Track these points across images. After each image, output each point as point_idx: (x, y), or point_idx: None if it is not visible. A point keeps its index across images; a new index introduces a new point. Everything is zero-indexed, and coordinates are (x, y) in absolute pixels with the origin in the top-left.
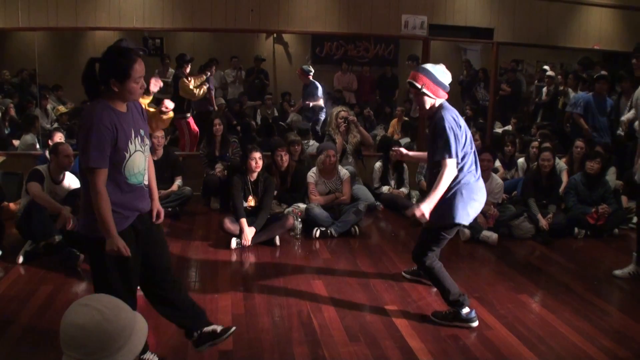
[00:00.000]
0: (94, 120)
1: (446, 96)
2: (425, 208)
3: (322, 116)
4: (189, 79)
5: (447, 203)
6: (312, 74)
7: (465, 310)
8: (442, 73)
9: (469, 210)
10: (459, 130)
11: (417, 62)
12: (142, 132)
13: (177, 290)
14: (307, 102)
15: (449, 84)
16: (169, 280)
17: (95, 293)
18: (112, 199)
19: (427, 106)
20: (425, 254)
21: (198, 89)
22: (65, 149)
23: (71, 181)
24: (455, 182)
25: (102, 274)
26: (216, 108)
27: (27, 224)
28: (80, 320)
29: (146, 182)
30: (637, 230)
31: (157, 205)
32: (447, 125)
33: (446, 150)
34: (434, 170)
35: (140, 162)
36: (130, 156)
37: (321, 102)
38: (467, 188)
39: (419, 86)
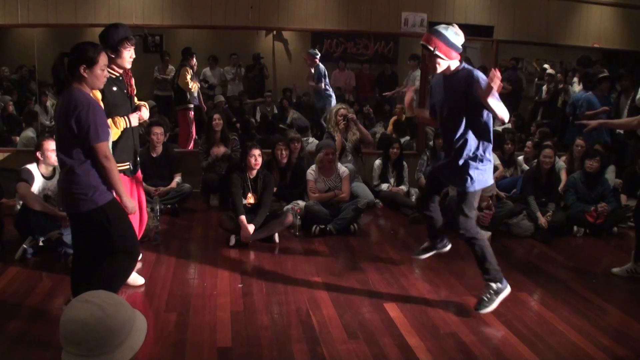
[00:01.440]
0: (88, 100)
1: (459, 57)
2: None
3: (333, 102)
4: (189, 71)
5: (481, 169)
6: (318, 56)
7: (502, 284)
8: (454, 35)
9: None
10: None
11: (419, 62)
12: None
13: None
14: (311, 84)
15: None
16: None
17: (105, 257)
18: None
19: (439, 69)
20: (470, 221)
21: (193, 82)
22: (50, 144)
23: None
24: (486, 145)
25: (108, 240)
26: (205, 108)
27: (25, 221)
28: (81, 315)
29: None
30: (636, 228)
31: None
32: (481, 76)
33: (492, 93)
34: (451, 133)
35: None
36: (111, 132)
37: (323, 85)
38: (490, 155)
39: (432, 49)
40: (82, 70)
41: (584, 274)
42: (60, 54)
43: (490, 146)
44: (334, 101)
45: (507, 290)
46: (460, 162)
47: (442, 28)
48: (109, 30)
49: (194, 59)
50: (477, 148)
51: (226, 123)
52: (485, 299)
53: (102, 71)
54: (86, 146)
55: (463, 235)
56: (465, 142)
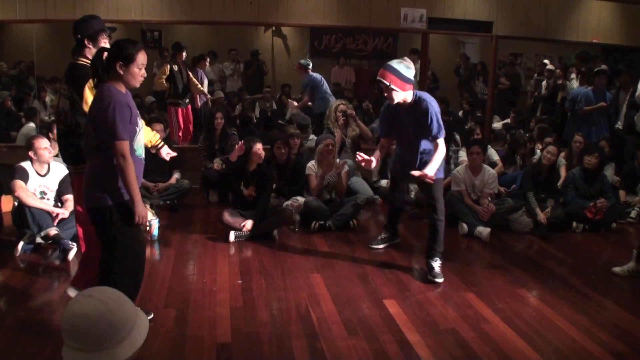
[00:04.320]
0: (112, 98)
1: (412, 88)
2: (430, 172)
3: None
4: (168, 68)
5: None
6: (310, 67)
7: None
8: (406, 69)
9: None
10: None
11: (419, 56)
12: (138, 113)
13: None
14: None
15: (415, 76)
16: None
17: (104, 260)
18: None
19: (396, 99)
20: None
21: (161, 79)
22: (41, 142)
23: (58, 170)
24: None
25: (112, 242)
26: (209, 96)
27: (22, 217)
28: (84, 310)
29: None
30: None
31: None
32: (436, 111)
33: (440, 131)
34: (413, 149)
35: (142, 137)
36: (139, 130)
37: (308, 98)
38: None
39: (387, 83)
40: (118, 67)
41: (582, 269)
42: (99, 49)
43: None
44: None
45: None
46: (419, 164)
47: (395, 63)
48: (88, 20)
49: (184, 54)
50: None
51: (226, 119)
52: (438, 269)
53: (139, 70)
54: (106, 144)
55: (433, 216)
56: (425, 151)
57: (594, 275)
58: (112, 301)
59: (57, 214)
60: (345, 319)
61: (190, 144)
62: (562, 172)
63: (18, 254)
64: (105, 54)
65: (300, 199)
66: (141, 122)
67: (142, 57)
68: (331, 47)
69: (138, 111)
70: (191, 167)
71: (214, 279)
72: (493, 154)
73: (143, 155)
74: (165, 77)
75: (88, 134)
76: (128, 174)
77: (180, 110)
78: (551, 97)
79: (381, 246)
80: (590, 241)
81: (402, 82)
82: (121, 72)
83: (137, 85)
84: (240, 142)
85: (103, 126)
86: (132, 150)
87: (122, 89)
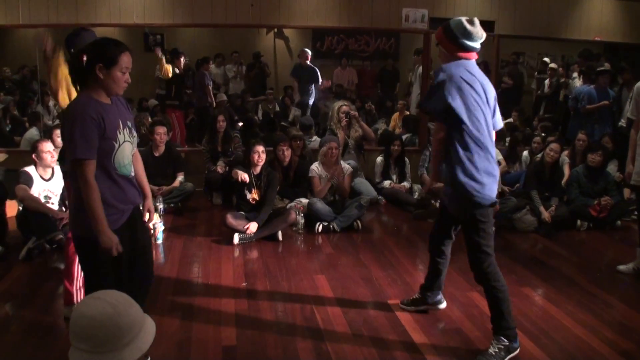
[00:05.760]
0: (78, 111)
1: (468, 55)
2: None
3: (311, 100)
4: (170, 68)
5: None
6: (307, 60)
7: (516, 344)
8: (462, 30)
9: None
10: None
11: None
12: (129, 123)
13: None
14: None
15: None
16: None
17: (88, 293)
18: (107, 193)
19: (442, 63)
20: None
21: (166, 72)
22: (44, 145)
23: (62, 175)
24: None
25: (93, 274)
26: (214, 103)
27: (26, 222)
28: (92, 312)
29: (133, 174)
30: (639, 225)
31: (150, 204)
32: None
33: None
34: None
35: (129, 153)
36: (119, 146)
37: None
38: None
39: (436, 42)
40: (97, 70)
41: (587, 268)
42: (77, 50)
43: (476, 155)
44: (311, 100)
45: (517, 350)
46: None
47: (454, 21)
48: (80, 33)
49: (182, 59)
50: (463, 159)
51: (229, 121)
52: (493, 352)
53: (122, 74)
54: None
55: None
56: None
57: (599, 273)
58: (120, 304)
59: (62, 218)
60: (350, 319)
61: (189, 146)
62: (566, 170)
63: (23, 258)
64: (85, 56)
65: (304, 201)
66: (129, 137)
67: (125, 59)
68: (333, 49)
69: (126, 123)
70: (195, 169)
71: (218, 281)
72: (497, 153)
73: (132, 174)
74: (170, 73)
75: (67, 150)
76: (89, 198)
77: (175, 113)
78: (554, 95)
79: (409, 308)
80: (595, 239)
81: (450, 45)
82: (101, 75)
83: (120, 92)
84: (245, 175)
85: (66, 142)
86: (113, 168)
87: (102, 97)
